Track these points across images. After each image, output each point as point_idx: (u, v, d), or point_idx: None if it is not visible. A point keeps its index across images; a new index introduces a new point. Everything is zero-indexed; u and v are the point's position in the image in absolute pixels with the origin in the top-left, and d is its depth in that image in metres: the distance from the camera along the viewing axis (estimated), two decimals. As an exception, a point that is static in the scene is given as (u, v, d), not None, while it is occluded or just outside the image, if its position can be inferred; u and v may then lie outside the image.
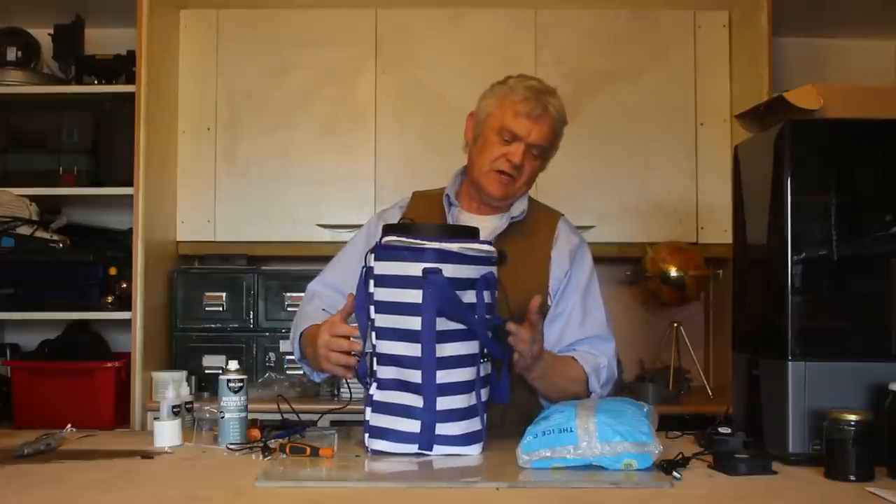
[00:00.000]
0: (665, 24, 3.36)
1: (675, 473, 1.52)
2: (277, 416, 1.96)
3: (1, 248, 3.01)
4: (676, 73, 3.34)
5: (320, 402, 2.96)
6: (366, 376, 1.69)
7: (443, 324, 1.62)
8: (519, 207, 2.02)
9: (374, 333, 1.65)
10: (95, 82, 3.22)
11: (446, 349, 1.63)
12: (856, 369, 1.66)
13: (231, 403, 1.80)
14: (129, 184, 3.01)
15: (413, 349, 1.62)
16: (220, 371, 2.11)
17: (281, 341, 3.20)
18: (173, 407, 1.89)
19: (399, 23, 3.35)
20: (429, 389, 1.63)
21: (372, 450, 1.67)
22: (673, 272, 3.19)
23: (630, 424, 1.56)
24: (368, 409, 1.68)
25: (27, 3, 3.28)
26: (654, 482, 1.49)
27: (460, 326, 1.64)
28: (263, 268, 3.33)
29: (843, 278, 1.70)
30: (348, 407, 1.98)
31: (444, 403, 1.63)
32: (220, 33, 3.35)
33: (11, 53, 3.22)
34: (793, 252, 1.68)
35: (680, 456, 1.60)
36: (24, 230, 3.02)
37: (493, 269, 1.69)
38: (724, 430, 1.71)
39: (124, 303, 3.04)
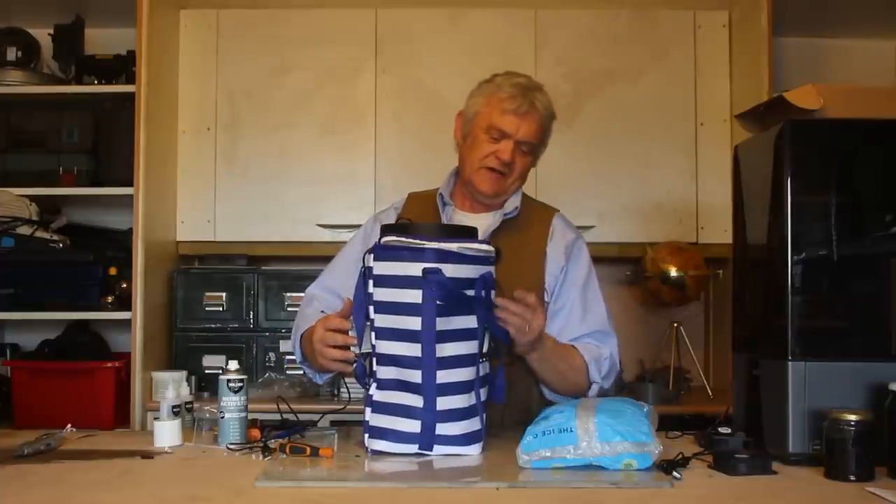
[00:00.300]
0: (665, 24, 3.36)
1: (675, 473, 1.52)
2: (277, 416, 1.96)
3: (1, 248, 3.01)
4: (676, 73, 3.34)
5: (320, 403, 2.96)
6: (365, 376, 1.69)
7: (442, 324, 1.62)
8: (512, 204, 2.02)
9: (373, 334, 1.65)
10: (95, 82, 3.22)
11: (446, 349, 1.63)
12: (856, 369, 1.66)
13: (231, 403, 1.80)
14: (129, 184, 3.01)
15: (413, 349, 1.62)
16: (220, 371, 2.11)
17: (281, 341, 3.20)
18: (173, 407, 1.89)
19: (399, 23, 3.35)
20: (429, 389, 1.63)
21: (372, 450, 1.67)
22: (673, 272, 3.19)
23: (630, 424, 1.56)
24: (368, 410, 1.68)
25: (27, 3, 3.28)
26: (654, 482, 1.49)
27: (459, 326, 1.64)
28: (263, 268, 3.34)
29: (843, 278, 1.70)
30: (348, 407, 1.98)
31: (443, 403, 1.63)
32: (220, 33, 3.35)
33: (11, 53, 3.22)
34: (793, 252, 1.68)
35: (680, 456, 1.60)
36: (24, 230, 3.03)
37: (492, 268, 1.69)
38: (724, 430, 1.71)
39: (124, 303, 3.04)
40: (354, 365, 1.71)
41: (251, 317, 3.23)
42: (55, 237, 3.07)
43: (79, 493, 1.45)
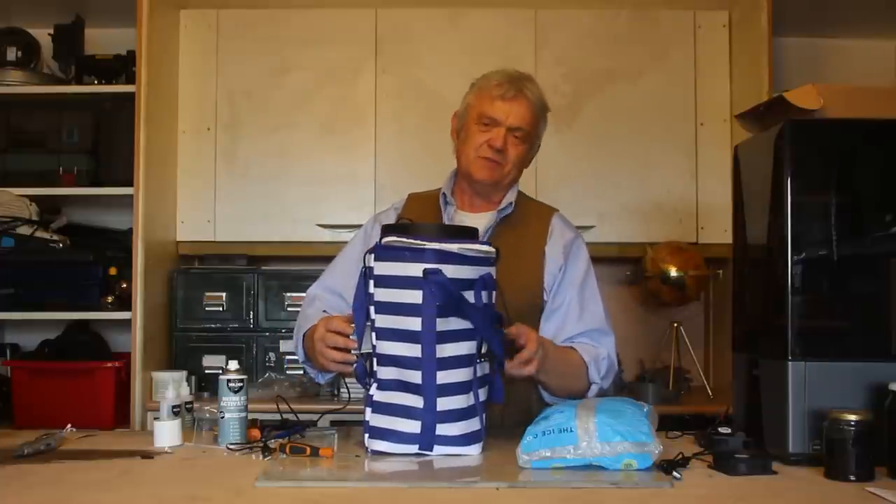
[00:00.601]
0: (665, 24, 3.36)
1: (675, 473, 1.52)
2: (277, 416, 1.96)
3: (1, 248, 3.01)
4: (676, 73, 3.34)
5: (320, 402, 2.96)
6: (365, 377, 1.69)
7: (442, 324, 1.62)
8: (506, 200, 2.02)
9: (374, 334, 1.65)
10: (95, 82, 3.22)
11: (445, 349, 1.63)
12: (856, 369, 1.66)
13: (231, 403, 1.80)
14: (129, 184, 3.01)
15: (413, 350, 1.62)
16: (220, 371, 2.10)
17: (281, 341, 3.20)
18: (173, 407, 1.89)
19: (399, 23, 3.35)
20: (429, 390, 1.63)
21: (372, 450, 1.67)
22: (673, 272, 3.19)
23: (630, 424, 1.56)
24: (368, 410, 1.68)
25: (27, 3, 3.28)
26: (654, 482, 1.49)
27: (459, 326, 1.64)
28: (263, 268, 3.33)
29: (843, 278, 1.70)
30: (348, 407, 1.98)
31: (443, 404, 1.63)
32: (220, 33, 3.35)
33: (11, 53, 3.22)
34: (793, 252, 1.68)
35: (680, 456, 1.60)
36: (24, 230, 3.02)
37: (492, 269, 1.69)
38: (724, 430, 1.72)
39: (124, 303, 3.04)
40: (355, 365, 1.71)
41: (251, 317, 3.23)
42: (55, 237, 3.07)
43: (79, 493, 1.45)
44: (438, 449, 1.65)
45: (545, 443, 1.56)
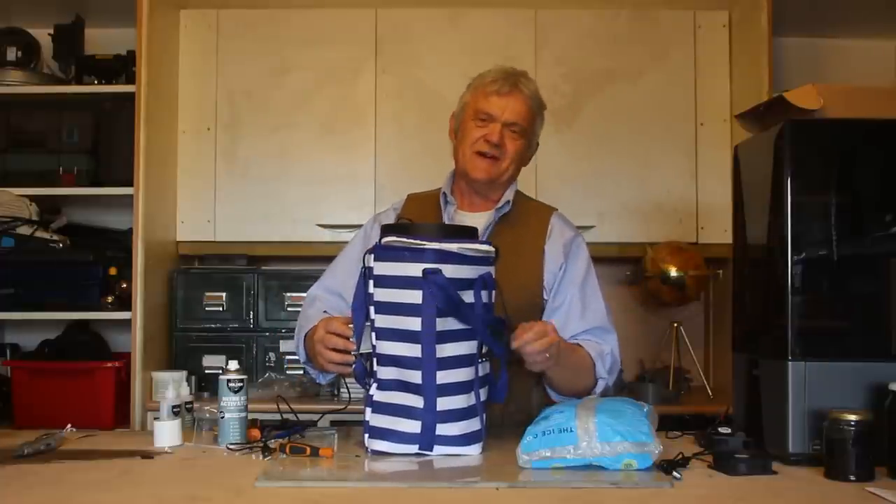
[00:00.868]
0: (665, 24, 3.36)
1: (675, 473, 1.52)
2: (277, 416, 1.96)
3: (1, 248, 3.01)
4: (676, 73, 3.34)
5: (320, 403, 2.96)
6: (365, 377, 1.69)
7: (442, 324, 1.62)
8: (504, 198, 2.02)
9: (373, 334, 1.65)
10: (95, 82, 3.22)
11: (446, 349, 1.63)
12: (856, 369, 1.66)
13: (231, 403, 1.80)
14: (129, 184, 3.01)
15: (413, 349, 1.62)
16: (220, 371, 2.11)
17: (281, 341, 3.20)
18: (173, 407, 1.89)
19: (399, 23, 3.35)
20: (429, 390, 1.63)
21: (372, 450, 1.67)
22: (673, 272, 3.19)
23: (630, 424, 1.56)
24: (368, 410, 1.68)
25: (27, 3, 3.28)
26: (654, 482, 1.49)
27: (459, 326, 1.64)
28: (263, 268, 3.33)
29: (843, 278, 1.70)
30: (348, 407, 1.98)
31: (443, 404, 1.63)
32: (220, 33, 3.35)
33: (11, 53, 3.22)
34: (793, 252, 1.68)
35: (680, 456, 1.60)
36: (24, 230, 3.02)
37: (492, 269, 1.69)
38: (724, 430, 1.72)
39: (124, 303, 3.04)
40: (354, 365, 1.71)
41: (251, 317, 3.22)
42: (55, 237, 3.06)
43: (79, 493, 1.45)
44: (438, 449, 1.65)
45: (545, 443, 1.56)
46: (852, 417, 1.52)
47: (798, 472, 1.59)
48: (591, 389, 1.92)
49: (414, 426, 1.64)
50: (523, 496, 1.44)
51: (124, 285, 3.05)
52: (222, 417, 1.80)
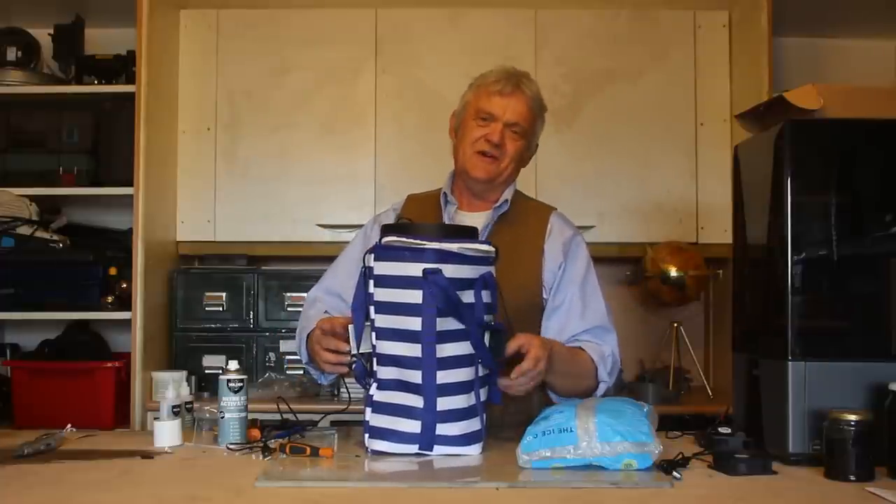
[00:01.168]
0: (665, 24, 3.36)
1: (675, 473, 1.52)
2: (277, 416, 1.96)
3: (1, 248, 3.01)
4: (676, 73, 3.34)
5: (320, 403, 2.96)
6: (364, 376, 1.69)
7: (442, 324, 1.62)
8: (503, 197, 2.02)
9: (374, 334, 1.65)
10: (95, 82, 3.22)
11: (446, 349, 1.63)
12: (856, 369, 1.66)
13: (231, 403, 1.80)
14: (129, 184, 3.01)
15: (413, 349, 1.62)
16: (220, 371, 2.10)
17: (281, 341, 3.20)
18: (173, 407, 1.89)
19: (399, 23, 3.35)
20: (429, 390, 1.63)
21: (372, 450, 1.67)
22: (673, 272, 3.19)
23: (630, 424, 1.56)
24: (368, 410, 1.68)
25: (27, 3, 3.28)
26: (654, 482, 1.49)
27: (459, 326, 1.64)
28: (263, 268, 3.33)
29: (843, 278, 1.70)
30: (350, 407, 1.97)
31: (443, 404, 1.63)
32: (220, 33, 3.35)
33: (11, 53, 3.22)
34: (793, 252, 1.68)
35: (680, 456, 1.60)
36: (24, 230, 3.02)
37: (492, 269, 1.69)
38: (724, 430, 1.72)
39: (124, 303, 3.04)
40: (354, 365, 1.71)
41: (251, 317, 3.22)
42: (55, 237, 3.06)
43: (79, 493, 1.45)
44: (438, 449, 1.65)
45: (545, 443, 1.56)
46: (852, 417, 1.52)
47: (798, 472, 1.59)
48: (592, 392, 1.92)
49: (414, 426, 1.64)
50: (523, 496, 1.44)
51: (124, 285, 3.05)
52: (222, 417, 1.80)
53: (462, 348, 1.65)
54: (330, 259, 2.16)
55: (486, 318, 1.66)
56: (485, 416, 1.70)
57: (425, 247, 1.61)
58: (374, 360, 1.67)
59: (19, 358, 3.26)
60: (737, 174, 1.95)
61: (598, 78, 3.33)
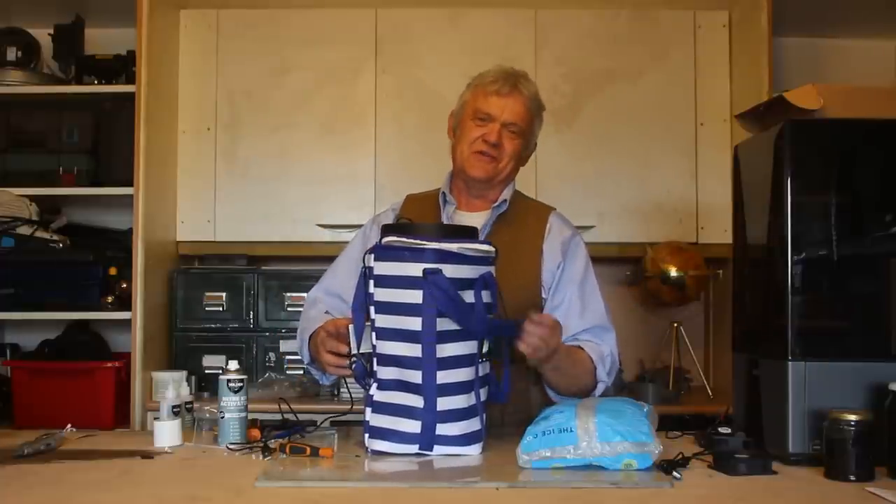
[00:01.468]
0: (665, 24, 3.36)
1: (675, 473, 1.52)
2: (277, 416, 1.96)
3: (1, 248, 3.01)
4: (676, 73, 3.34)
5: (320, 403, 2.96)
6: (364, 377, 1.69)
7: (442, 324, 1.62)
8: (502, 197, 2.03)
9: (374, 334, 1.65)
10: (95, 82, 3.22)
11: (446, 349, 1.63)
12: (856, 369, 1.66)
13: (231, 403, 1.80)
14: (129, 184, 3.01)
15: (413, 349, 1.62)
16: (220, 371, 2.10)
17: (281, 341, 3.20)
18: (173, 407, 1.89)
19: (399, 23, 3.35)
20: (429, 390, 1.63)
21: (372, 450, 1.67)
22: (673, 272, 3.19)
23: (630, 424, 1.56)
24: (368, 410, 1.68)
25: (27, 3, 3.28)
26: (654, 482, 1.49)
27: (459, 326, 1.63)
28: (263, 268, 3.33)
29: (843, 278, 1.70)
30: (353, 407, 1.97)
31: (443, 404, 1.63)
32: (220, 33, 3.35)
33: (11, 53, 3.22)
34: (793, 252, 1.68)
35: (680, 456, 1.60)
36: (24, 230, 3.02)
37: (492, 268, 1.69)
38: (724, 430, 1.71)
39: (124, 303, 3.04)
40: (354, 366, 1.71)
41: (251, 317, 3.22)
42: (55, 237, 3.06)
43: (79, 493, 1.45)
44: (438, 449, 1.65)
45: (545, 443, 1.56)
46: (852, 417, 1.52)
47: (798, 472, 1.59)
48: (590, 391, 1.92)
49: (414, 426, 1.64)
50: (523, 496, 1.44)
51: (124, 285, 3.05)
52: (222, 417, 1.80)
53: (461, 348, 1.65)
54: (330, 259, 2.16)
55: (488, 316, 1.66)
56: (485, 416, 1.70)
57: (425, 247, 1.61)
58: (375, 360, 1.67)
59: (19, 358, 3.26)
60: (737, 174, 1.95)
61: (598, 78, 3.33)
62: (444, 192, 2.06)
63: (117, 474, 1.57)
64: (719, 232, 3.23)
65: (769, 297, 1.75)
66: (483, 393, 1.70)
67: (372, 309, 1.64)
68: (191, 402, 1.99)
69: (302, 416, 1.99)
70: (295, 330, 2.08)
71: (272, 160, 3.32)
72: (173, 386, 1.94)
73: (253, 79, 3.34)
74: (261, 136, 3.33)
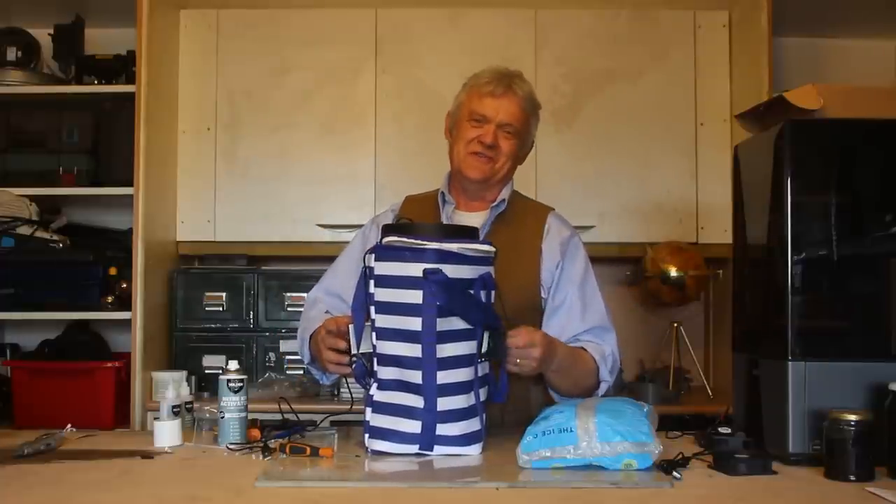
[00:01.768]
0: (665, 24, 3.36)
1: (675, 473, 1.52)
2: (277, 416, 1.96)
3: (1, 248, 3.01)
4: (676, 73, 3.34)
5: (320, 403, 2.96)
6: (364, 376, 1.69)
7: (442, 324, 1.62)
8: (500, 196, 2.03)
9: (374, 334, 1.65)
10: (95, 82, 3.22)
11: (446, 349, 1.63)
12: (856, 369, 1.66)
13: (231, 403, 1.80)
14: (129, 184, 3.01)
15: (414, 350, 1.62)
16: (220, 371, 2.10)
17: (281, 341, 3.20)
18: (173, 407, 1.89)
19: (399, 23, 3.35)
20: (429, 390, 1.63)
21: (372, 450, 1.67)
22: (673, 272, 3.19)
23: (630, 424, 1.56)
24: (369, 410, 1.68)
25: (27, 3, 3.28)
26: (654, 482, 1.49)
27: (459, 326, 1.64)
28: (263, 268, 3.33)
29: (843, 278, 1.70)
30: (353, 407, 1.97)
31: (443, 404, 1.64)
32: (220, 33, 3.35)
33: (11, 53, 3.22)
34: (793, 252, 1.68)
35: (680, 456, 1.60)
36: (24, 230, 3.02)
37: (491, 269, 1.69)
38: (724, 430, 1.72)
39: (124, 303, 3.04)
40: (354, 365, 1.71)
41: (251, 317, 3.22)
42: (55, 237, 3.06)
43: (79, 493, 1.45)
44: (438, 449, 1.65)
45: (545, 443, 1.56)
46: (852, 417, 1.52)
47: (798, 472, 1.59)
48: (593, 391, 1.93)
49: (414, 426, 1.64)
50: (523, 496, 1.44)
51: (124, 285, 3.05)
52: (222, 417, 1.80)
53: (461, 348, 1.65)
54: (330, 259, 2.16)
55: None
56: (485, 416, 1.70)
57: (426, 247, 1.61)
58: (375, 360, 1.67)
59: (19, 358, 3.26)
60: (737, 174, 1.95)
61: (598, 78, 3.33)
62: (443, 193, 2.06)
63: (117, 474, 1.57)
64: (719, 232, 3.23)
65: (769, 297, 1.75)
66: (483, 393, 1.70)
67: (372, 309, 1.64)
68: (191, 402, 1.99)
69: (302, 416, 1.99)
70: (295, 330, 2.08)
71: (272, 160, 3.32)
72: (173, 386, 1.94)
73: (253, 79, 3.34)
74: (261, 136, 3.33)
